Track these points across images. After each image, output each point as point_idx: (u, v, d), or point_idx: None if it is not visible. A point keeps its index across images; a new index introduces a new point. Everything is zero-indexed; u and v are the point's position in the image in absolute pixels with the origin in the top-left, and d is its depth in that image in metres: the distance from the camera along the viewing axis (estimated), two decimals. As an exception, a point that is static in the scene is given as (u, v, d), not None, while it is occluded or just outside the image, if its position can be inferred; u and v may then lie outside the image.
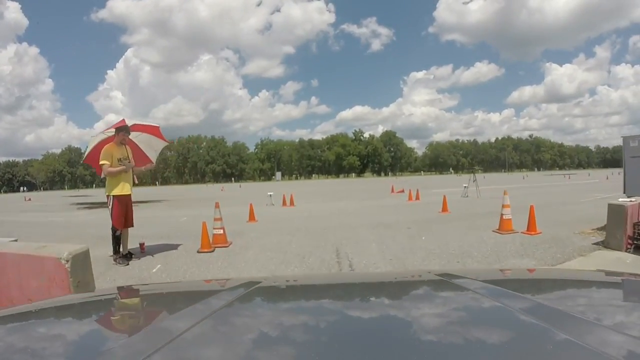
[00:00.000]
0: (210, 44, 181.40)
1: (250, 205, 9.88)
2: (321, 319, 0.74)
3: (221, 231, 6.45)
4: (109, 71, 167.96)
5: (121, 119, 6.11)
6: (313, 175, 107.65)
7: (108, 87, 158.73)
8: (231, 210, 13.02)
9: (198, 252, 6.07)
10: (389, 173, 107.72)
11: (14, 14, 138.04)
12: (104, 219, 12.62)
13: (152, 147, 6.61)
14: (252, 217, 9.55)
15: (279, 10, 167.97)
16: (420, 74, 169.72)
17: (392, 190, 20.89)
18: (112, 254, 5.78)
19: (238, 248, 6.28)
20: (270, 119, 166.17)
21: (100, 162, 5.65)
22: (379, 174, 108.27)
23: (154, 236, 8.05)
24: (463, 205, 11.81)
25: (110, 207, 5.80)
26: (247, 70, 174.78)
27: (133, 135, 6.37)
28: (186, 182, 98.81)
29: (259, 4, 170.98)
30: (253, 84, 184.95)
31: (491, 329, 0.65)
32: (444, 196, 10.65)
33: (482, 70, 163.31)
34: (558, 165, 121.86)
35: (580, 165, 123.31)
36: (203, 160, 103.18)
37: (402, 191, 20.07)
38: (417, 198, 14.66)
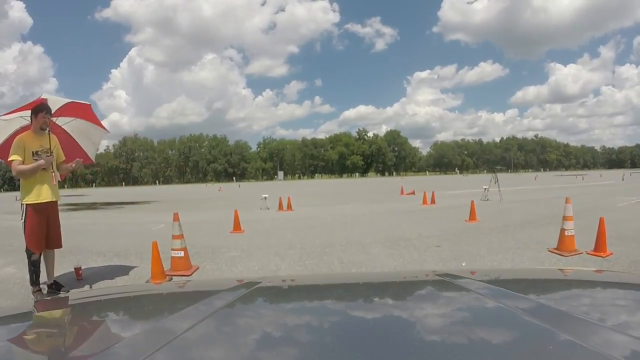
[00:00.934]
0: (214, 43, 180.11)
1: (236, 212, 8.05)
2: (321, 319, 0.74)
3: (182, 253, 4.66)
4: (113, 70, 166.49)
5: (44, 96, 4.38)
6: (316, 174, 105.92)
7: (112, 86, 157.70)
8: (218, 215, 11.30)
9: (147, 283, 4.33)
10: (393, 173, 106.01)
11: (19, 13, 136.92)
12: (72, 225, 11.06)
13: (89, 139, 4.86)
14: (237, 226, 7.76)
15: (283, 10, 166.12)
16: (424, 74, 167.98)
17: (402, 192, 19.02)
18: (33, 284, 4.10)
19: (204, 278, 4.51)
20: (273, 118, 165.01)
21: (10, 158, 3.96)
22: (382, 174, 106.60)
23: (108, 252, 6.44)
24: (489, 212, 9.98)
25: (22, 220, 4.07)
26: (251, 69, 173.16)
27: (63, 122, 4.65)
28: (188, 182, 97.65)
29: (263, 4, 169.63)
30: (257, 84, 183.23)
31: (493, 329, 0.64)
32: (472, 202, 8.82)
33: (486, 70, 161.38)
34: (563, 165, 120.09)
35: (585, 166, 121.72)
36: (205, 159, 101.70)
37: (413, 193, 18.28)
38: (433, 201, 12.82)
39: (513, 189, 20.08)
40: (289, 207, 12.27)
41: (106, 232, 9.05)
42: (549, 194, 17.30)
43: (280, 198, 12.94)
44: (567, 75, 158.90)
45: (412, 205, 12.75)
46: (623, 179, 30.66)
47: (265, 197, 12.92)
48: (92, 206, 20.60)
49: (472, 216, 8.38)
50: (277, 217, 10.72)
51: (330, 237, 6.84)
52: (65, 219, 13.10)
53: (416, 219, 9.21)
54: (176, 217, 4.71)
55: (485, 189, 14.15)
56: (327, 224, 8.73)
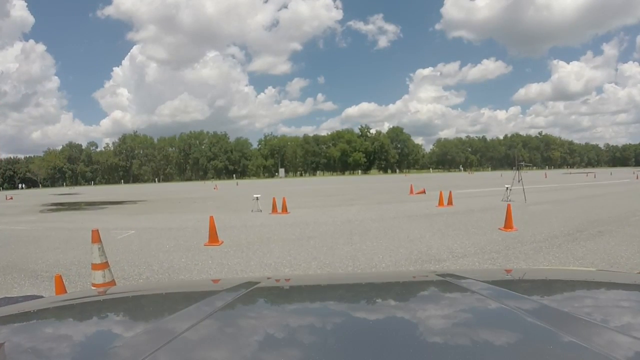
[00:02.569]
0: (217, 40, 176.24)
1: (211, 219, 6.43)
2: (321, 320, 0.73)
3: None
4: (114, 68, 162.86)
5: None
6: (318, 172, 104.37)
7: (114, 84, 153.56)
8: (201, 219, 9.66)
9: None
10: (396, 170, 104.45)
11: (20, 11, 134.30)
12: (36, 230, 9.62)
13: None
14: (213, 237, 6.16)
15: (286, 7, 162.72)
16: (426, 71, 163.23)
17: (412, 191, 17.36)
18: None
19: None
20: (276, 115, 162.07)
21: None
22: (385, 171, 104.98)
23: (44, 273, 5.22)
24: (521, 216, 8.36)
25: None
26: (253, 67, 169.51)
27: None
28: (188, 179, 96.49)
29: (266, 1, 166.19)
30: (259, 81, 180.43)
31: (495, 330, 0.63)
32: (509, 206, 7.19)
33: (489, 68, 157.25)
34: (568, 163, 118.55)
35: (589, 164, 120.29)
36: (205, 157, 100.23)
37: (424, 192, 16.66)
38: (450, 203, 11.20)
39: (529, 188, 18.56)
40: (284, 209, 10.67)
41: (64, 241, 7.68)
42: (571, 194, 15.87)
43: (274, 199, 11.32)
44: (570, 73, 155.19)
45: (427, 207, 11.15)
46: (638, 177, 29.13)
47: (256, 198, 11.30)
48: (74, 206, 19.16)
49: (508, 223, 6.77)
50: (268, 222, 9.12)
51: (331, 255, 5.25)
52: (36, 222, 11.75)
53: (437, 226, 7.57)
54: (96, 237, 3.09)
55: (507, 188, 12.57)
56: (327, 234, 7.11)
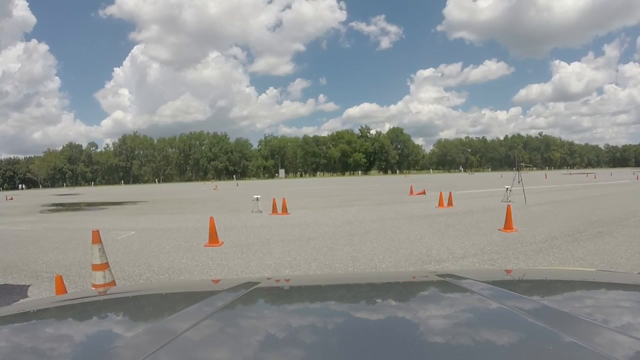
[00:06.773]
0: (219, 41, 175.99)
1: (212, 220, 6.45)
2: (320, 320, 0.73)
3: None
4: (116, 68, 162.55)
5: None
6: (318, 172, 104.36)
7: (115, 85, 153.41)
8: (201, 220, 9.68)
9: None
10: (396, 171, 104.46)
11: (22, 11, 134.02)
12: (37, 231, 9.63)
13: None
14: (213, 238, 6.16)
15: (289, 7, 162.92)
16: (427, 72, 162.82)
17: (412, 192, 17.36)
18: None
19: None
20: (277, 116, 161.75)
21: None
22: (385, 172, 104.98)
23: (44, 273, 5.22)
24: (521, 217, 8.36)
25: None
26: (255, 67, 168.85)
27: None
28: (189, 180, 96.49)
29: (269, 2, 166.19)
30: (261, 82, 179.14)
31: (494, 330, 0.63)
32: (509, 206, 7.18)
33: (491, 69, 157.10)
34: (568, 164, 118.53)
35: (589, 164, 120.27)
36: (205, 157, 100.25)
37: (424, 193, 16.65)
38: (450, 203, 11.20)
39: (529, 189, 18.56)
40: (284, 210, 10.65)
41: (65, 241, 7.67)
42: (571, 194, 15.85)
43: (274, 200, 11.32)
44: (571, 74, 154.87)
45: (427, 208, 11.14)
46: (638, 178, 29.14)
47: (256, 199, 11.30)
48: (74, 207, 19.17)
49: (508, 224, 6.76)
50: (268, 223, 9.11)
51: (331, 256, 5.25)
52: (37, 223, 11.77)
53: (437, 227, 7.57)
54: (96, 238, 3.08)
55: (507, 189, 12.59)
56: (327, 235, 7.10)
